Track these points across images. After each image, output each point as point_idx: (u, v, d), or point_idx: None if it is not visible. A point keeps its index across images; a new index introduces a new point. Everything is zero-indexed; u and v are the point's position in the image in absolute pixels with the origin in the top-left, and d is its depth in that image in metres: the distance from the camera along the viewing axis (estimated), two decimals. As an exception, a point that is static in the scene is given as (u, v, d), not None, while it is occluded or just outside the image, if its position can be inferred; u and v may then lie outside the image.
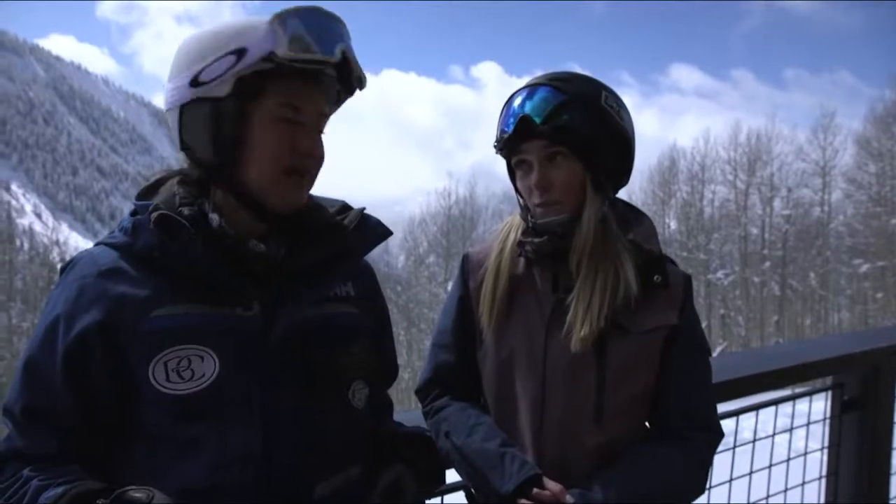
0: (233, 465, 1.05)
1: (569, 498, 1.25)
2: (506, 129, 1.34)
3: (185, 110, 1.08)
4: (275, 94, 1.07)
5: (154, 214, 1.05)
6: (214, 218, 1.09)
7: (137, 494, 0.96)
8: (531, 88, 1.34)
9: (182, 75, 1.08)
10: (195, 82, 1.06)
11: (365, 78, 1.15)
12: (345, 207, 1.25)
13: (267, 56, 1.03)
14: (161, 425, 1.05)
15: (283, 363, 1.10)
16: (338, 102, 1.19)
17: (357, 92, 1.19)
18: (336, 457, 1.15)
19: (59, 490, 0.98)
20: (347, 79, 1.13)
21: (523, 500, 1.25)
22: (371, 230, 1.23)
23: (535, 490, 1.25)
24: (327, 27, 1.08)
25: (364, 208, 1.25)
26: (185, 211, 1.08)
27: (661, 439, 1.36)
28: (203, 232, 1.07)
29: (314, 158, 1.11)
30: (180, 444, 1.05)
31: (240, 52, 1.05)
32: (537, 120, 1.29)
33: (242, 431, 1.06)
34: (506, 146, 1.36)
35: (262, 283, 1.10)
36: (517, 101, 1.34)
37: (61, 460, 1.05)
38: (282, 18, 1.05)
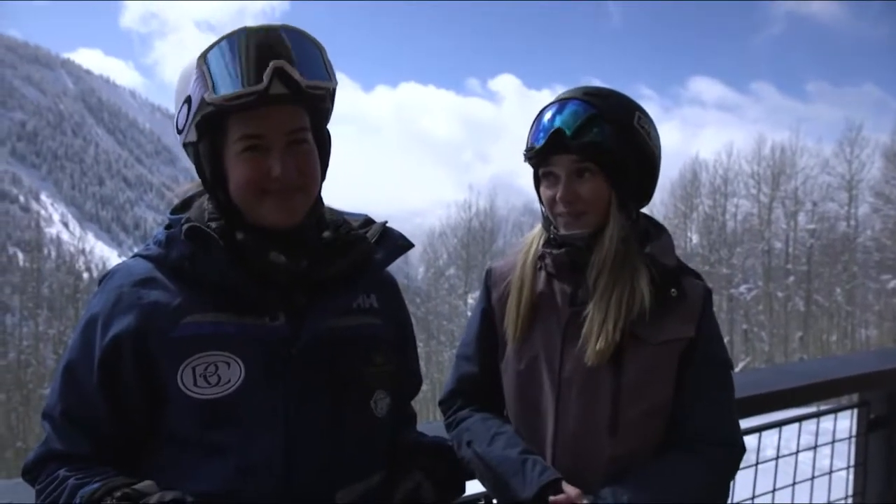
0: (255, 470, 1.08)
1: (585, 501, 1.25)
2: (536, 140, 1.36)
3: (186, 150, 1.15)
4: (235, 128, 1.08)
5: (185, 227, 1.10)
6: (240, 232, 1.13)
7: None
8: (564, 102, 1.37)
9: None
10: (178, 129, 1.14)
11: (322, 82, 1.09)
12: (368, 221, 1.28)
13: (202, 102, 1.06)
14: (187, 429, 1.09)
15: (307, 372, 1.12)
16: (323, 102, 1.14)
17: (334, 92, 1.14)
18: (357, 465, 1.17)
19: (96, 485, 1.02)
20: (300, 90, 1.06)
21: None
22: (393, 243, 1.25)
23: (552, 498, 1.26)
24: (252, 54, 1.04)
25: (386, 222, 1.27)
26: (213, 225, 1.12)
27: (677, 453, 1.35)
28: (230, 245, 1.11)
29: (286, 180, 1.09)
30: (205, 448, 1.08)
31: (188, 101, 1.09)
32: (568, 133, 1.32)
33: (266, 438, 1.09)
34: (535, 157, 1.38)
35: (287, 294, 1.13)
36: (549, 114, 1.37)
37: (95, 461, 1.09)
38: (205, 58, 1.05)
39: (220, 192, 1.13)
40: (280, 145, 1.09)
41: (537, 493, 1.28)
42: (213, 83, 1.04)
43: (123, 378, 1.09)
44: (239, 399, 1.08)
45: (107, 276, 1.16)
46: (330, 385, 1.14)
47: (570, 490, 1.27)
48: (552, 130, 1.33)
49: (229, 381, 1.08)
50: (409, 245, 1.27)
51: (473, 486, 1.50)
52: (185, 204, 1.20)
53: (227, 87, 1.04)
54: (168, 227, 1.16)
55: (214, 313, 1.10)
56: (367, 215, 1.29)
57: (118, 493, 0.98)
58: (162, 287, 1.11)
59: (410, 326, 1.38)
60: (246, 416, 1.08)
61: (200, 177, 1.15)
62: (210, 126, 1.08)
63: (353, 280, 1.19)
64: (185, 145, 1.14)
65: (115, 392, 1.09)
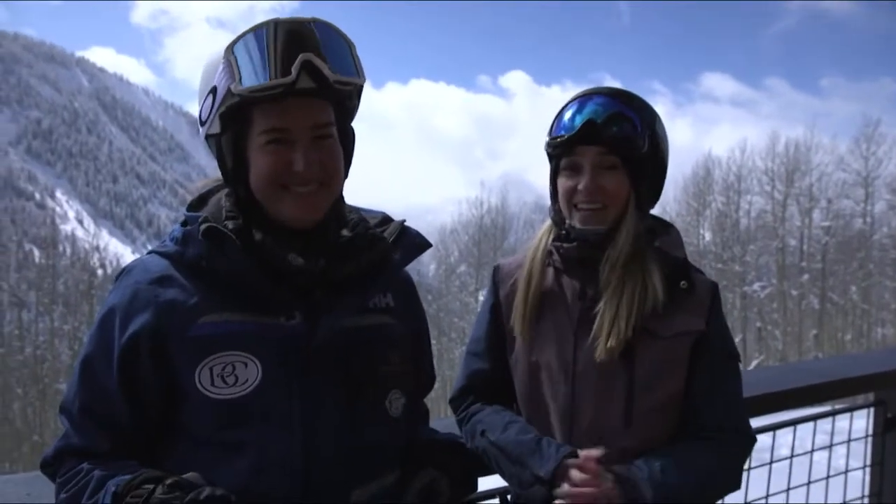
0: (272, 469, 1.08)
1: (609, 476, 1.24)
2: (560, 131, 1.38)
3: (208, 142, 1.15)
4: (260, 120, 1.07)
5: (203, 226, 1.09)
6: (257, 233, 1.13)
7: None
8: (589, 96, 1.39)
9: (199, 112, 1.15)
10: (201, 121, 1.13)
11: (350, 78, 1.08)
12: (386, 219, 1.27)
13: (227, 93, 1.05)
14: (205, 428, 1.09)
15: (323, 371, 1.13)
16: (350, 98, 1.15)
17: (361, 89, 1.13)
18: (372, 464, 1.17)
19: (126, 477, 1.02)
20: (328, 85, 1.06)
21: (562, 487, 1.25)
22: (410, 242, 1.25)
23: (570, 461, 1.25)
24: (281, 46, 1.03)
25: (404, 220, 1.27)
26: (230, 224, 1.12)
27: (691, 441, 1.37)
28: (247, 244, 1.11)
29: (308, 174, 1.08)
30: (223, 446, 1.09)
31: (213, 92, 1.08)
32: (601, 126, 1.34)
33: (282, 437, 1.09)
34: (561, 146, 1.38)
35: (303, 293, 1.13)
36: (574, 108, 1.38)
37: (114, 457, 1.10)
38: (232, 49, 1.05)
39: (241, 185, 1.13)
40: (305, 139, 1.08)
41: (556, 467, 1.27)
42: (239, 74, 1.03)
43: (141, 376, 1.10)
44: (256, 398, 1.08)
45: (123, 273, 1.17)
46: (345, 384, 1.14)
47: (586, 453, 1.27)
48: (584, 120, 1.34)
49: (246, 380, 1.08)
50: (427, 245, 1.27)
51: (487, 483, 1.50)
52: (202, 200, 1.20)
53: (253, 78, 1.03)
54: (184, 224, 1.16)
55: (230, 313, 1.10)
56: (384, 213, 1.29)
57: (169, 481, 0.98)
58: (178, 285, 1.11)
59: (426, 325, 1.38)
60: (263, 415, 1.09)
61: (221, 169, 1.14)
62: (234, 117, 1.08)
63: (370, 279, 1.19)
64: (207, 137, 1.14)
65: (134, 389, 1.10)
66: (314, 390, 1.11)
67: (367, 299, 1.21)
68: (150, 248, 1.21)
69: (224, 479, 1.06)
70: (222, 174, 1.15)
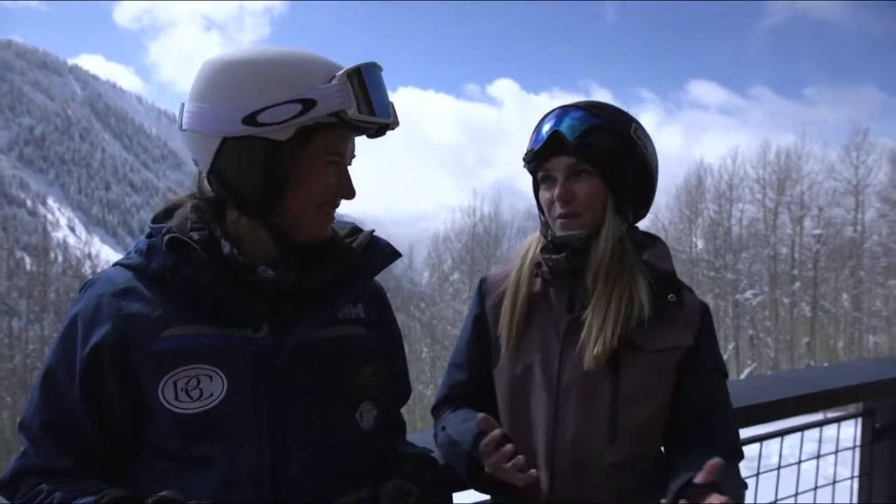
0: (241, 484, 1.06)
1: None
2: (536, 144, 1.39)
3: (230, 143, 1.06)
4: (325, 140, 1.09)
5: (166, 237, 1.07)
6: (226, 244, 1.10)
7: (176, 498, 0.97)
8: (565, 109, 1.40)
9: (230, 106, 1.04)
10: (251, 120, 1.04)
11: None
12: (355, 230, 1.27)
13: (335, 113, 1.06)
14: (171, 443, 1.07)
15: (292, 384, 1.10)
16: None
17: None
18: (344, 478, 1.15)
19: (90, 499, 1.00)
20: (386, 128, 1.15)
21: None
22: (380, 252, 1.24)
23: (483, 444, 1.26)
24: (383, 86, 1.11)
25: (373, 230, 1.26)
26: (196, 235, 1.09)
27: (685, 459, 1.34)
28: (213, 256, 1.08)
29: (348, 198, 1.15)
30: (190, 461, 1.06)
31: (307, 103, 1.04)
32: (568, 137, 1.34)
33: (250, 451, 1.07)
34: (534, 160, 1.40)
35: (271, 305, 1.11)
36: (550, 119, 1.40)
37: (77, 475, 1.07)
38: (355, 77, 1.07)
39: (276, 193, 1.08)
40: (348, 164, 1.16)
41: (476, 436, 1.29)
42: (356, 102, 1.06)
43: (105, 388, 1.07)
44: (222, 412, 1.06)
45: (87, 285, 1.14)
46: (314, 396, 1.12)
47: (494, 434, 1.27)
48: (551, 133, 1.36)
49: (212, 394, 1.06)
50: (397, 254, 1.26)
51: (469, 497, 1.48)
52: (168, 212, 1.17)
53: (366, 110, 1.08)
54: (149, 235, 1.14)
55: (196, 325, 1.08)
56: (354, 223, 1.28)
57: (153, 499, 0.96)
58: (142, 298, 1.09)
59: (399, 335, 1.36)
60: (229, 429, 1.06)
61: (237, 173, 1.07)
62: (304, 132, 1.06)
63: (340, 290, 1.18)
64: (243, 137, 1.05)
65: (97, 402, 1.07)
66: (282, 403, 1.09)
67: (336, 310, 1.19)
68: (117, 259, 1.18)
69: (193, 493, 1.03)
70: (247, 178, 1.08)
